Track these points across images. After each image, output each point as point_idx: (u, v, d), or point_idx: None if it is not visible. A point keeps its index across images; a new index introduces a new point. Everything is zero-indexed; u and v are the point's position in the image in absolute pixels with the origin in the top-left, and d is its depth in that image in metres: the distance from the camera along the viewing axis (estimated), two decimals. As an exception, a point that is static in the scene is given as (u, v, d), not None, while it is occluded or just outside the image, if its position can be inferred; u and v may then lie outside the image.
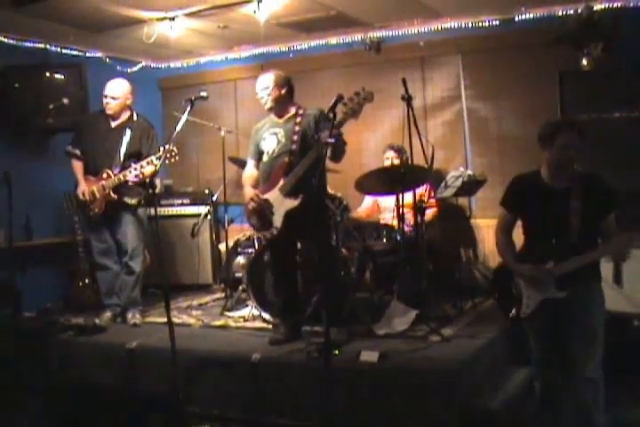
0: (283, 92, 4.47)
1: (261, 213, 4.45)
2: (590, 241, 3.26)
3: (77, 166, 5.29)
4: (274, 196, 4.40)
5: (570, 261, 3.23)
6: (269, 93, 4.44)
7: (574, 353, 3.29)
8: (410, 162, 4.66)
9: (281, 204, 4.36)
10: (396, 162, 5.57)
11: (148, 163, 4.90)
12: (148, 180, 4.87)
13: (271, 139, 4.49)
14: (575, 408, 3.29)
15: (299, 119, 4.42)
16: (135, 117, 5.28)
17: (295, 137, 4.37)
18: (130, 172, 4.99)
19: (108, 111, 5.19)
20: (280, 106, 4.49)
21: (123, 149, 5.13)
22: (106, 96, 5.17)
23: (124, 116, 5.25)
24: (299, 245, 4.70)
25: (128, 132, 5.15)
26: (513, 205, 3.51)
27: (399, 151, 5.61)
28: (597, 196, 3.26)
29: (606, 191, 3.31)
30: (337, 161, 4.35)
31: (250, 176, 4.66)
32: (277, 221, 4.37)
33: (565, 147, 3.26)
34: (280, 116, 4.53)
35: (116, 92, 5.17)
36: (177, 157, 4.50)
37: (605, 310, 3.39)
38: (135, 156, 5.12)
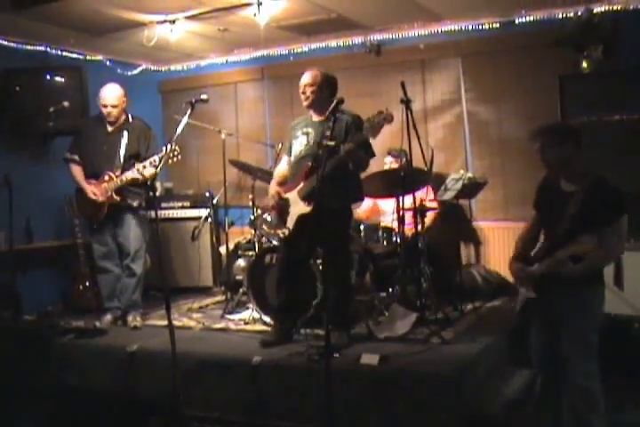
0: (323, 93, 4.44)
1: (279, 211, 4.54)
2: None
3: (77, 171, 5.29)
4: (293, 197, 4.44)
5: (542, 264, 3.27)
6: (312, 91, 4.43)
7: (563, 355, 3.30)
8: (409, 165, 4.67)
9: (296, 206, 4.41)
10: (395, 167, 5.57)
11: (150, 163, 4.91)
12: (149, 181, 4.89)
13: (302, 138, 4.50)
14: (570, 411, 3.29)
15: (331, 123, 4.40)
16: (131, 119, 5.30)
17: (324, 142, 4.36)
18: (132, 172, 5.01)
19: (111, 119, 5.20)
20: (318, 106, 4.47)
21: (122, 152, 5.14)
22: (106, 106, 5.16)
23: (121, 119, 5.26)
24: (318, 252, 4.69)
25: (125, 134, 5.17)
26: (536, 204, 3.57)
27: (398, 156, 5.61)
28: (599, 202, 3.19)
29: (610, 200, 3.23)
30: (359, 171, 4.40)
31: (281, 172, 4.71)
32: (290, 221, 4.43)
33: (539, 151, 3.36)
34: (317, 116, 4.51)
35: (115, 99, 5.17)
36: (179, 157, 4.50)
37: (599, 315, 3.37)
38: (135, 157, 5.13)
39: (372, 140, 4.30)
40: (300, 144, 4.51)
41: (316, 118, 4.52)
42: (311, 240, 4.46)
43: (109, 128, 5.25)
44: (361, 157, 4.25)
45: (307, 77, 4.47)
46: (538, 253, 3.41)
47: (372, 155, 4.40)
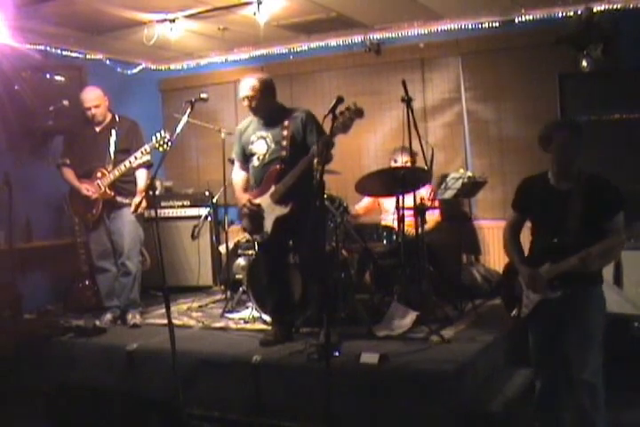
0: (265, 97, 4.45)
1: (253, 218, 4.48)
2: (590, 243, 3.21)
3: (69, 173, 5.33)
4: (265, 201, 4.42)
5: (562, 263, 3.24)
6: (255, 102, 4.41)
7: (571, 355, 3.30)
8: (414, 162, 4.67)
9: (271, 210, 4.39)
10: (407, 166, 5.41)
11: (141, 153, 4.98)
12: (148, 181, 4.92)
13: (260, 143, 4.47)
14: (574, 410, 3.29)
15: (286, 123, 4.40)
16: (117, 118, 5.34)
17: (284, 142, 4.37)
18: (124, 166, 5.06)
19: (98, 118, 5.24)
20: (264, 110, 4.47)
21: (112, 148, 5.18)
22: (89, 108, 5.20)
23: (107, 118, 5.31)
24: (291, 247, 4.70)
25: (114, 132, 5.22)
26: (520, 205, 3.55)
27: (412, 154, 5.41)
28: (600, 197, 3.22)
29: (611, 193, 3.26)
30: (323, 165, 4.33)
31: (240, 179, 4.68)
32: (268, 226, 4.41)
33: (562, 146, 3.29)
34: (266, 119, 4.50)
35: (95, 100, 5.22)
36: (170, 144, 4.52)
37: (605, 313, 3.39)
38: (125, 152, 5.16)
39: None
40: (259, 149, 4.47)
41: (264, 122, 4.51)
42: (289, 240, 4.55)
43: (97, 128, 5.30)
44: (330, 151, 4.19)
45: (245, 89, 4.43)
46: (535, 253, 3.40)
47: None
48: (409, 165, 5.35)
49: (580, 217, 3.20)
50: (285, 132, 4.38)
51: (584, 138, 3.31)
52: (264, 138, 4.46)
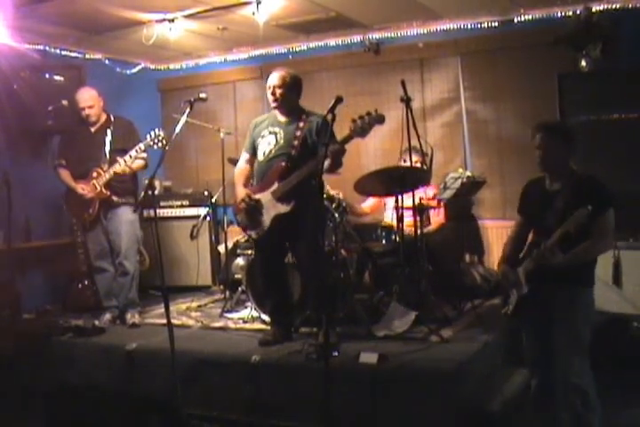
0: (291, 92, 4.45)
1: (251, 214, 4.46)
2: (571, 243, 3.18)
3: (65, 174, 5.33)
4: (265, 198, 4.41)
5: (529, 260, 3.29)
6: (281, 93, 4.41)
7: (556, 356, 3.31)
8: (411, 163, 4.66)
9: (271, 207, 4.38)
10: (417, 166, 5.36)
11: (136, 151, 4.98)
12: (147, 180, 4.92)
13: (270, 138, 4.48)
14: (568, 411, 3.29)
15: (301, 124, 4.40)
16: (112, 118, 5.34)
17: (295, 142, 4.36)
18: (119, 165, 5.06)
19: (92, 119, 5.24)
20: (286, 106, 4.47)
21: (107, 148, 5.19)
22: (83, 108, 5.21)
23: (102, 119, 5.31)
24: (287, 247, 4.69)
25: (109, 132, 5.23)
26: (522, 209, 3.58)
27: (421, 154, 5.16)
28: (584, 197, 3.17)
29: (595, 194, 3.22)
30: (333, 172, 4.34)
31: (241, 172, 4.66)
32: (266, 222, 4.41)
33: (537, 147, 3.35)
34: (284, 116, 4.51)
35: (89, 100, 5.22)
36: (165, 142, 4.52)
37: (593, 315, 3.38)
38: (121, 152, 5.15)
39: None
40: (267, 144, 4.48)
41: (282, 118, 4.51)
42: (286, 240, 4.54)
43: (92, 129, 5.30)
44: (342, 159, 4.25)
45: (275, 78, 4.44)
46: (526, 253, 3.42)
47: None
48: (419, 165, 5.34)
49: (559, 216, 3.20)
50: (299, 133, 4.38)
51: (570, 140, 3.33)
52: (275, 133, 4.47)
